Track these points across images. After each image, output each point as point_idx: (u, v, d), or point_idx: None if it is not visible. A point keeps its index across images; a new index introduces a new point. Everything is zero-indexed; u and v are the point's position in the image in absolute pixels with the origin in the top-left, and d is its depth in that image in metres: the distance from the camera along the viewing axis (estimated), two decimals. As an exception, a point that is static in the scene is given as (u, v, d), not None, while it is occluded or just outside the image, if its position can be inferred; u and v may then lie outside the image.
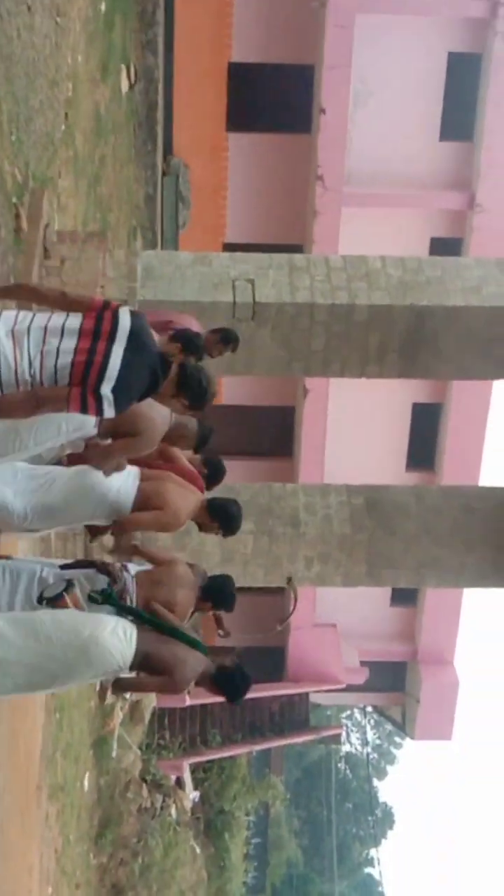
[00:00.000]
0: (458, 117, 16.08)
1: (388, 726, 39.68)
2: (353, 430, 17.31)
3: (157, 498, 5.82)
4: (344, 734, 39.91)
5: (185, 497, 5.98)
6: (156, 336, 5.58)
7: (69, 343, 4.11)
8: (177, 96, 15.99)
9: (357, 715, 44.19)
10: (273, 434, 18.00)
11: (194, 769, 17.40)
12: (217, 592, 5.68)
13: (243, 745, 18.53)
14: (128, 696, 14.10)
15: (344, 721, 40.87)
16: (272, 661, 19.12)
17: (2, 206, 7.13)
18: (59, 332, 4.14)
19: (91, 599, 5.00)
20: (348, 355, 8.91)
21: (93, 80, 10.98)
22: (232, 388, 17.65)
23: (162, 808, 14.94)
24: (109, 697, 12.80)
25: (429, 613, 18.94)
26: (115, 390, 4.13)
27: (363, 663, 19.70)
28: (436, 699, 19.54)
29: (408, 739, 25.44)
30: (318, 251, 15.00)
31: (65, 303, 4.39)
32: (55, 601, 4.79)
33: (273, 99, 16.48)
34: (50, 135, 8.57)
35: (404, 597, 18.95)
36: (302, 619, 18.67)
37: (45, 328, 4.13)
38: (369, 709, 35.56)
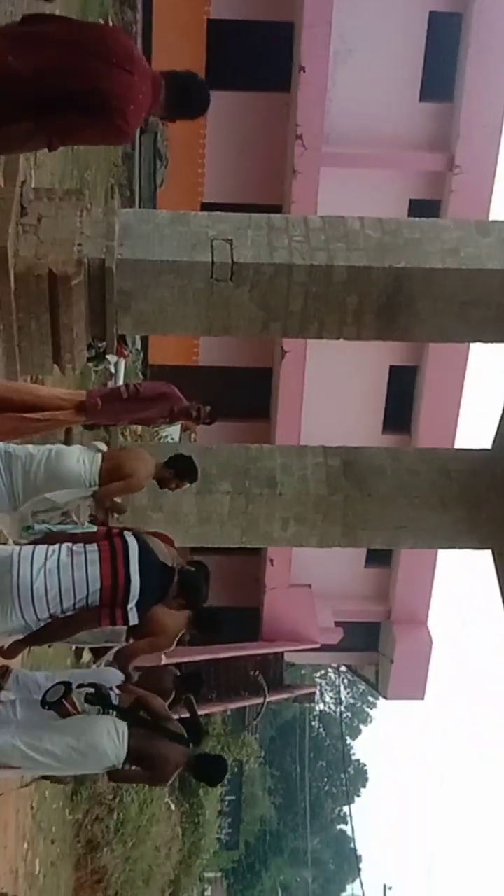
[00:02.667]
0: (439, 77, 15.99)
1: (362, 686, 40.05)
2: (331, 392, 17.33)
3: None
4: (318, 693, 40.27)
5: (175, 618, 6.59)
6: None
7: (94, 571, 4.90)
8: (155, 52, 15.79)
9: (331, 674, 44.57)
10: (250, 395, 17.98)
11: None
12: (189, 685, 6.47)
13: (218, 703, 18.68)
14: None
15: (318, 680, 41.20)
16: (248, 621, 19.23)
17: (-22, 161, 7.04)
18: (84, 564, 4.91)
19: (87, 700, 5.62)
20: (326, 317, 8.87)
21: (70, 35, 10.82)
22: (209, 349, 17.61)
23: (137, 765, 15.02)
24: (85, 655, 12.87)
25: (403, 574, 19.08)
26: (137, 605, 4.95)
27: (338, 623, 19.84)
28: (409, 659, 19.73)
29: (381, 699, 25.74)
30: (297, 211, 14.93)
31: (73, 541, 5.14)
32: (57, 706, 5.44)
33: (252, 56, 16.31)
34: (26, 90, 8.44)
35: (379, 558, 19.08)
36: (277, 579, 18.79)
37: (71, 563, 4.91)
38: (343, 668, 35.88)
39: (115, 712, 5.63)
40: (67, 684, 5.58)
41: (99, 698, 5.64)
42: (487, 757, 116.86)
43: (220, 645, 18.38)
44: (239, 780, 29.16)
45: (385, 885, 48.25)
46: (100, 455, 6.62)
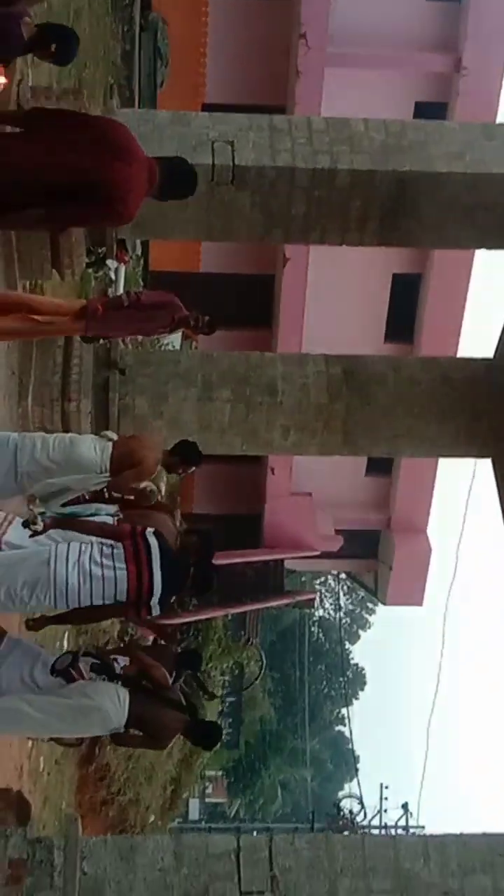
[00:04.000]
0: (447, -26, 15.50)
1: (361, 593, 40.55)
2: (333, 301, 17.15)
3: None
4: (318, 599, 40.79)
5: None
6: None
7: (122, 573, 5.42)
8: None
9: (331, 581, 45.11)
10: (252, 303, 17.82)
11: (171, 631, 17.77)
12: (187, 662, 6.99)
13: (219, 608, 18.91)
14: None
15: (318, 587, 41.69)
16: (249, 529, 19.38)
17: (-28, 59, 6.84)
18: (112, 565, 5.42)
19: (92, 669, 6.11)
20: (329, 222, 8.74)
21: None
22: (211, 255, 17.39)
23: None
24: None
25: (403, 483, 19.13)
26: (158, 601, 5.48)
27: (338, 531, 19.96)
28: (408, 566, 19.90)
29: (380, 605, 26.08)
30: (301, 113, 14.58)
31: (102, 533, 5.65)
32: (65, 673, 5.91)
33: (255, -50, 15.80)
34: (22, -17, 8.18)
35: (379, 466, 19.12)
36: (278, 488, 18.87)
37: (101, 564, 5.42)
38: (343, 576, 36.28)
39: (118, 680, 6.10)
40: (74, 654, 6.08)
41: (103, 668, 6.12)
42: (482, 663, 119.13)
43: (221, 552, 18.55)
44: (239, 682, 29.71)
45: (382, 785, 49.60)
46: (110, 444, 6.99)
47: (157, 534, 5.69)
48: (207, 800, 38.71)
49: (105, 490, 7.14)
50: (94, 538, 5.66)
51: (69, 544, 5.53)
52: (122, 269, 13.22)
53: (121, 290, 12.30)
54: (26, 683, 5.98)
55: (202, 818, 36.13)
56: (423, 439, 10.45)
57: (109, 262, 11.73)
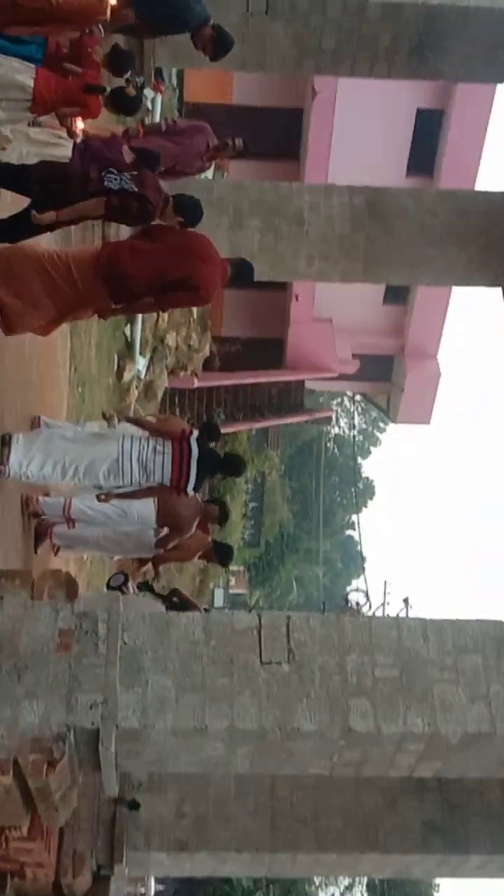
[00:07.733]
0: None
1: (374, 413, 40.70)
2: (359, 134, 16.55)
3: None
4: (334, 418, 41.02)
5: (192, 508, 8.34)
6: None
7: (168, 466, 7.05)
8: None
9: (346, 402, 45.27)
10: (281, 135, 17.23)
11: (200, 441, 17.99)
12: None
13: (244, 422, 19.14)
14: (142, 376, 14.42)
15: (334, 407, 41.86)
16: (273, 351, 19.38)
17: None
18: (162, 459, 7.03)
19: (138, 587, 7.63)
20: (358, 54, 8.39)
21: None
22: (243, 87, 16.73)
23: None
24: (127, 375, 13.10)
25: (418, 311, 18.96)
26: (193, 488, 7.15)
27: (355, 355, 19.95)
28: (418, 388, 19.96)
29: (391, 425, 26.24)
30: None
31: (160, 433, 7.21)
32: (118, 588, 7.34)
33: None
34: None
35: (396, 296, 18.92)
36: (301, 314, 18.75)
37: (154, 459, 7.03)
38: (358, 396, 36.34)
39: (159, 598, 7.42)
40: (125, 574, 7.53)
41: (147, 586, 7.58)
42: (481, 481, 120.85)
43: (247, 371, 18.63)
44: (261, 489, 30.32)
45: (385, 582, 51.45)
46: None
47: (199, 439, 7.08)
48: (231, 591, 40.09)
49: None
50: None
51: (131, 440, 7.06)
52: (159, 98, 12.77)
53: (157, 118, 11.91)
54: None
55: (226, 606, 37.53)
56: (439, 268, 10.27)
57: (147, 91, 11.31)
